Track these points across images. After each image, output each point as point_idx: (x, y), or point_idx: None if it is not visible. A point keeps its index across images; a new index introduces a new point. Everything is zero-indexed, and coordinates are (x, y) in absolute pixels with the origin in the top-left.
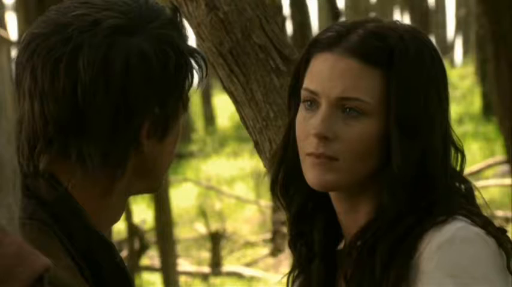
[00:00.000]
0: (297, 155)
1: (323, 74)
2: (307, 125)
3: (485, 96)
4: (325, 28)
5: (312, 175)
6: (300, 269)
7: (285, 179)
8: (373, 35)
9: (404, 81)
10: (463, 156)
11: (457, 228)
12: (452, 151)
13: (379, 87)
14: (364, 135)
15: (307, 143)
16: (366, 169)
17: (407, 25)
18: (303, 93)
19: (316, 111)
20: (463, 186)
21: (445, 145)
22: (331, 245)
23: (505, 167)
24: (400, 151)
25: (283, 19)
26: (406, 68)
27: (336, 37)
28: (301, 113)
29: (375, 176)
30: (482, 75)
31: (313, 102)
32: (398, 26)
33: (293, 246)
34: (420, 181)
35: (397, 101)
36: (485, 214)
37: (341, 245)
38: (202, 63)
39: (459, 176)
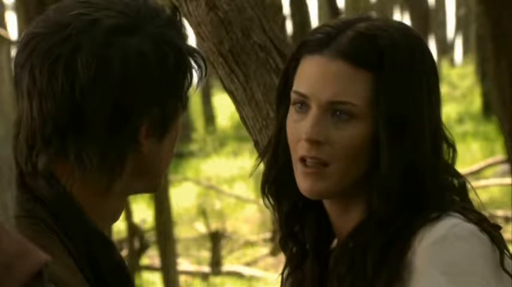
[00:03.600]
0: (287, 156)
1: (313, 76)
2: (298, 129)
3: (485, 96)
4: (315, 29)
5: (303, 184)
6: (293, 269)
7: (276, 180)
8: (363, 37)
9: (394, 84)
10: (454, 150)
11: (451, 225)
12: (445, 146)
13: (369, 89)
14: (355, 138)
15: (298, 146)
16: (357, 172)
17: (398, 22)
18: (293, 96)
19: (307, 114)
20: (456, 181)
21: (434, 141)
22: (323, 244)
23: (505, 167)
24: (388, 152)
25: (283, 18)
26: (396, 70)
27: (326, 39)
28: (292, 116)
29: (366, 178)
30: (482, 74)
31: (303, 105)
32: (389, 25)
33: (285, 245)
34: (410, 180)
35: (386, 103)
36: (480, 210)
37: (334, 244)
38: (201, 62)
39: (452, 171)
